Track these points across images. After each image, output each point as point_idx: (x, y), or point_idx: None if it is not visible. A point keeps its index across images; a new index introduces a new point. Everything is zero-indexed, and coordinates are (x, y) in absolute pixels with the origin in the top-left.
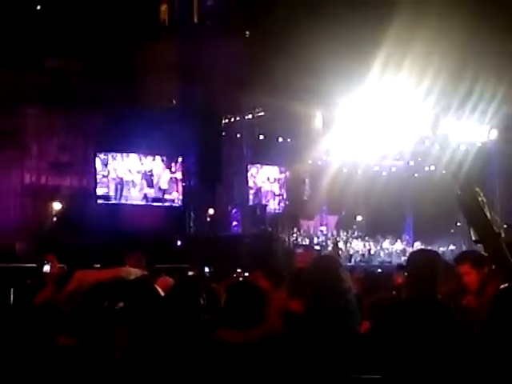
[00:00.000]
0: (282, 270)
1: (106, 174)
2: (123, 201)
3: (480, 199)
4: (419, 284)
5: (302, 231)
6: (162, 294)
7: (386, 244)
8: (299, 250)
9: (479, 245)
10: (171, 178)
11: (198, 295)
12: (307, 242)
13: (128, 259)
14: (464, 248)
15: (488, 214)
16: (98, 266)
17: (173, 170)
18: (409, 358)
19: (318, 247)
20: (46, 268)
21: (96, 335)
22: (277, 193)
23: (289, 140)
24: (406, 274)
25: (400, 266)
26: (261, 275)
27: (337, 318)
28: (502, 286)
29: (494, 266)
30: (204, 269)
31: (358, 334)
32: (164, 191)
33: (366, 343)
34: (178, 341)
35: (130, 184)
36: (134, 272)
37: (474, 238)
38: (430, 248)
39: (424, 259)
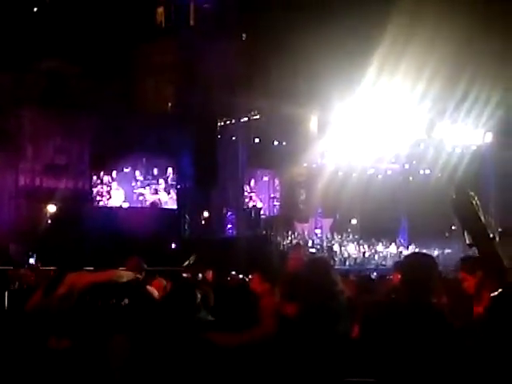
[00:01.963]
0: (277, 272)
1: (101, 176)
2: (118, 203)
3: (474, 203)
4: (413, 288)
5: (296, 234)
6: (156, 295)
7: (381, 247)
8: (291, 253)
9: (473, 248)
10: (166, 181)
11: (195, 296)
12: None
13: (127, 263)
14: (459, 251)
15: (482, 218)
16: (91, 268)
17: (168, 172)
18: (401, 362)
19: (313, 250)
20: (31, 261)
21: (89, 337)
22: (271, 196)
23: (284, 143)
24: (400, 277)
25: (397, 264)
26: (258, 278)
27: (329, 320)
28: (495, 294)
29: (486, 270)
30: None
31: (349, 337)
32: (159, 193)
33: (358, 346)
34: (173, 342)
35: (125, 186)
36: (126, 275)
37: (468, 242)
38: (424, 251)
39: (418, 263)
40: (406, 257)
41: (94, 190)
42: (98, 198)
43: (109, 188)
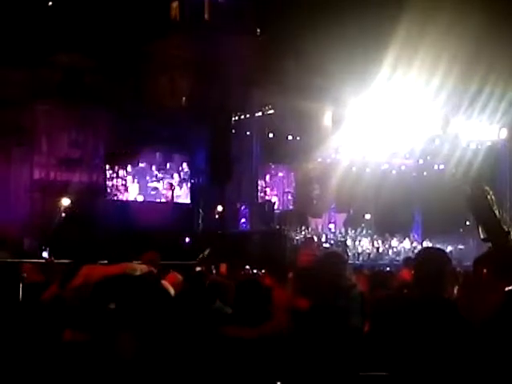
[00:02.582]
0: (290, 267)
1: (115, 170)
2: (132, 197)
3: (489, 198)
4: (425, 283)
5: (310, 229)
6: (172, 289)
7: (395, 242)
8: (302, 246)
9: (488, 243)
10: (180, 175)
11: (203, 283)
12: (315, 239)
13: (143, 257)
14: (474, 247)
15: (497, 213)
16: (105, 261)
17: (182, 166)
18: (414, 357)
19: (326, 245)
20: (45, 254)
21: (103, 331)
22: (285, 190)
23: (298, 138)
24: (412, 272)
25: (407, 260)
26: (271, 272)
27: (340, 315)
28: (510, 288)
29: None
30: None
31: (360, 331)
32: (173, 188)
33: (371, 341)
34: (186, 337)
35: (139, 180)
36: (140, 268)
37: (482, 237)
38: (438, 246)
39: (431, 258)
40: (419, 252)
41: (109, 184)
42: (113, 191)
43: (124, 182)
